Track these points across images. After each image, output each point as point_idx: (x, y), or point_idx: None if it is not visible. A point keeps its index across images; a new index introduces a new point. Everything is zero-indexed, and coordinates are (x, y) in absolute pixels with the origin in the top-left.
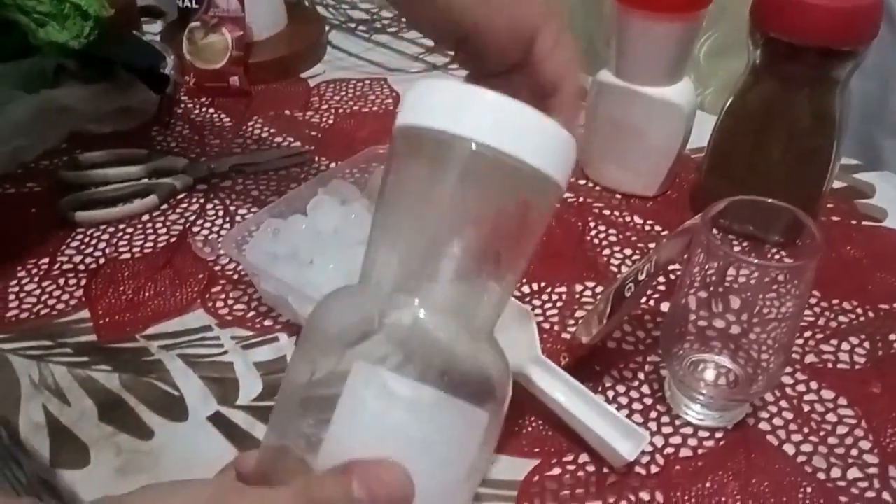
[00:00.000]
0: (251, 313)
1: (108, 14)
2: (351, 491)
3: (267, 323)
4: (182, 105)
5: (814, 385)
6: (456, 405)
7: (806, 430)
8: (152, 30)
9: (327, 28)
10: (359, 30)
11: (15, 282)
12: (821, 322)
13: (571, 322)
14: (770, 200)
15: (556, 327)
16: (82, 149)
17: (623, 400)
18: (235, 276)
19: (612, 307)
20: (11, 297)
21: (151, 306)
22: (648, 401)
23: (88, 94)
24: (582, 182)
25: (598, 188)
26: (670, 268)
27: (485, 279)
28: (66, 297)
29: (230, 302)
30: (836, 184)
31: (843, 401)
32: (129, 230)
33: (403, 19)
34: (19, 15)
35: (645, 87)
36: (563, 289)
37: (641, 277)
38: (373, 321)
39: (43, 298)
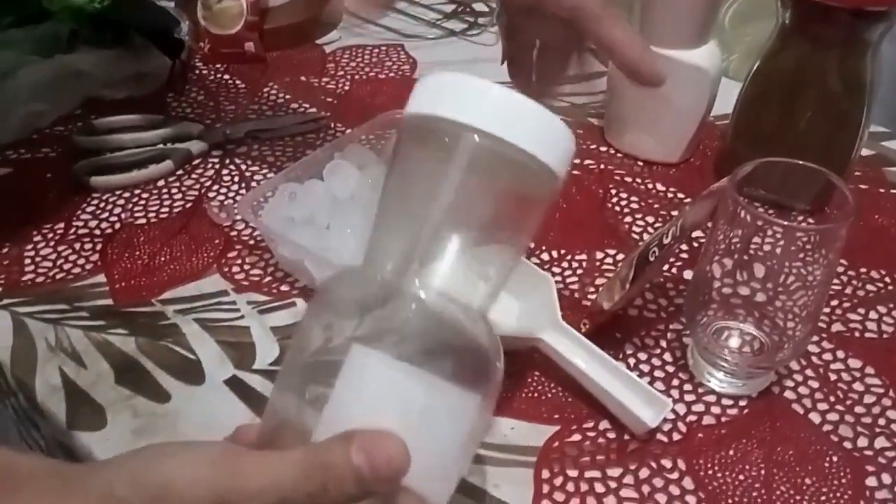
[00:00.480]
0: (267, 278)
1: None
2: (350, 457)
3: (283, 288)
4: (197, 71)
5: (840, 354)
6: (451, 386)
7: (832, 398)
8: None
9: None
10: None
11: (31, 246)
12: (848, 290)
13: (592, 289)
14: (801, 163)
15: (576, 294)
16: (97, 114)
17: (645, 367)
18: (251, 242)
19: (635, 272)
20: (27, 261)
21: (167, 271)
22: (671, 368)
23: (102, 59)
24: (603, 149)
25: (619, 155)
26: (694, 235)
27: (483, 263)
28: (81, 261)
29: (246, 267)
30: (865, 151)
31: (870, 370)
32: (145, 195)
33: None
34: None
35: (669, 51)
36: (584, 256)
37: (666, 241)
38: (374, 301)
39: (59, 263)
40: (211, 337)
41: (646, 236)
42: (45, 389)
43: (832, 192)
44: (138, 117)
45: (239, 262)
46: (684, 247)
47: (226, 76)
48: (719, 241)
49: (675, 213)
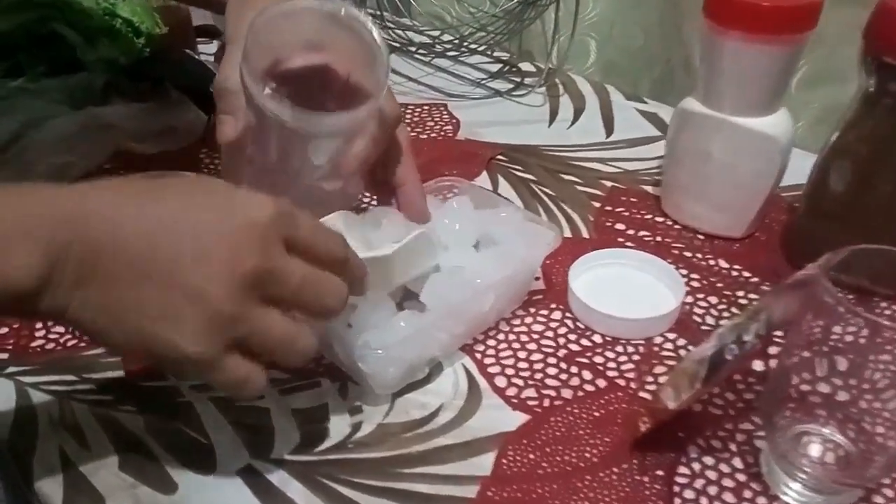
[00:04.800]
0: None
1: (162, 32)
2: None
3: (308, 365)
4: None
5: None
6: None
7: None
8: (208, 50)
9: None
10: (418, 53)
11: None
12: None
13: (650, 379)
14: None
15: (632, 385)
16: (126, 169)
17: (712, 474)
18: None
19: (708, 371)
20: (39, 325)
21: None
22: (742, 477)
23: (135, 111)
24: (659, 219)
25: (677, 227)
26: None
27: None
28: None
29: None
30: None
31: None
32: None
33: (465, 44)
34: (68, 30)
35: (737, 118)
36: (641, 341)
37: (747, 339)
38: None
39: (71, 328)
40: (226, 419)
41: (709, 319)
42: (43, 470)
43: None
44: (168, 173)
45: None
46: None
47: None
48: (804, 334)
49: (740, 293)
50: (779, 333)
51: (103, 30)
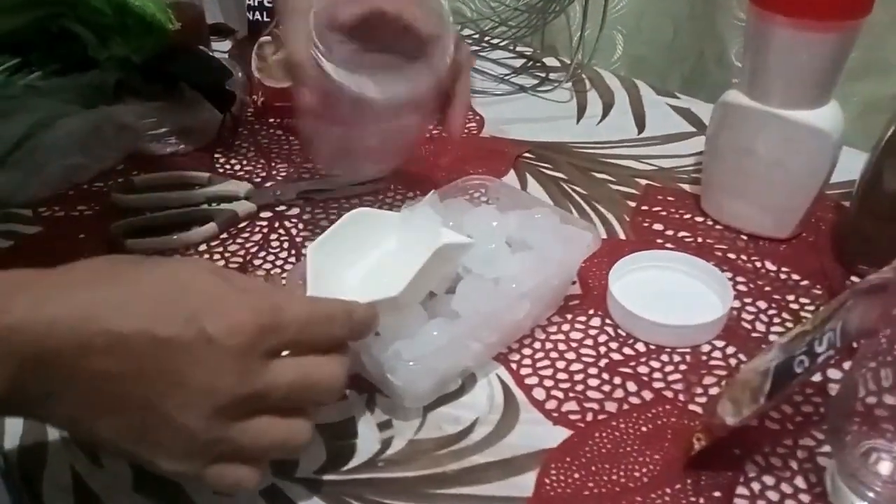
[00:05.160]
0: None
1: (174, 28)
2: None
3: None
4: (248, 126)
5: None
6: None
7: None
8: (221, 48)
9: None
10: None
11: None
12: None
13: (699, 391)
14: None
15: (681, 397)
16: (139, 170)
17: (773, 495)
18: None
19: (773, 384)
20: None
21: None
22: (806, 497)
23: (148, 111)
24: (699, 219)
25: (718, 227)
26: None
27: None
28: None
29: None
30: None
31: None
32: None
33: (486, 39)
34: (79, 27)
35: (785, 111)
36: (687, 349)
37: (820, 350)
38: None
39: None
40: None
41: (759, 325)
42: (53, 491)
43: None
44: (182, 174)
45: None
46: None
47: (279, 132)
48: (882, 343)
49: (790, 297)
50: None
51: (115, 27)
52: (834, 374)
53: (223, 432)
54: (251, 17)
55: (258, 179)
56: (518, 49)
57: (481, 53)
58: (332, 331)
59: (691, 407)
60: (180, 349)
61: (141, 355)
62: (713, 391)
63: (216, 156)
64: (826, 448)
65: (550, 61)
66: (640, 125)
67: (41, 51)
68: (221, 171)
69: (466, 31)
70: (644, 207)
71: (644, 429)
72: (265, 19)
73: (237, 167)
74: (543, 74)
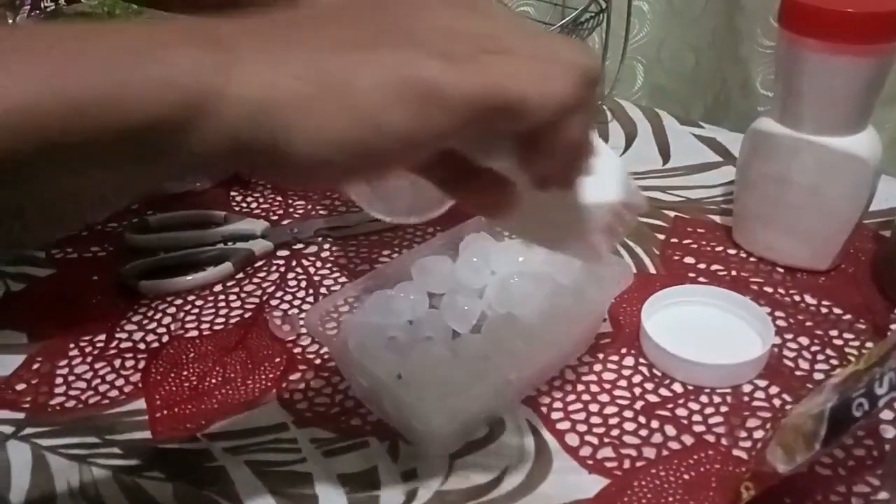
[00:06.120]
0: (335, 409)
1: None
2: None
3: (354, 422)
4: None
5: None
6: None
7: None
8: None
9: None
10: None
11: (65, 362)
12: None
13: (743, 434)
14: None
15: (723, 440)
16: (154, 209)
17: None
18: (318, 361)
19: (829, 428)
20: (59, 380)
21: (217, 396)
22: None
23: None
24: (731, 252)
25: (752, 259)
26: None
27: None
28: (120, 382)
29: (310, 394)
30: None
31: None
32: (199, 303)
33: None
34: None
35: (820, 137)
36: (727, 390)
37: (881, 391)
38: None
39: (94, 383)
40: (264, 486)
41: (801, 363)
42: None
43: None
44: (197, 213)
45: (302, 386)
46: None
47: None
48: None
49: (832, 332)
50: None
51: None
52: (887, 414)
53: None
54: None
55: (275, 217)
56: None
57: None
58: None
59: (735, 452)
60: None
61: None
62: (758, 434)
63: (232, 193)
64: (883, 495)
65: None
66: (665, 156)
67: None
68: (238, 208)
69: None
70: (674, 240)
71: (686, 476)
72: None
73: (253, 205)
74: None
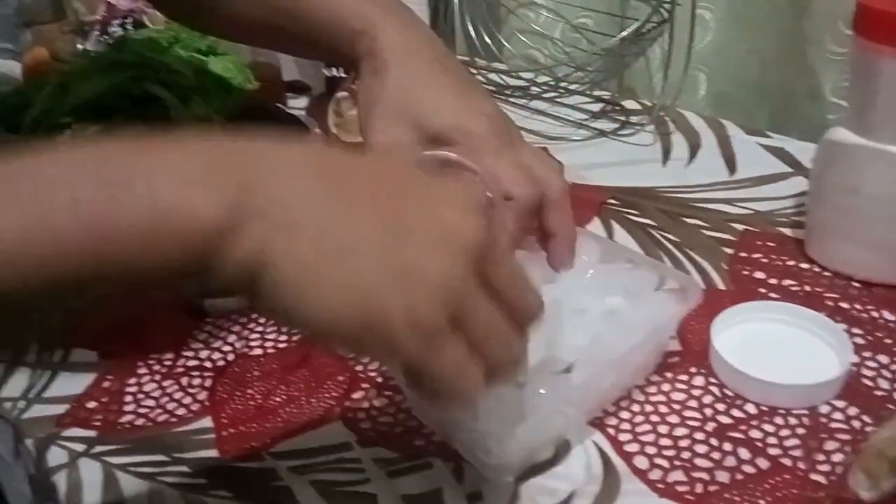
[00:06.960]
0: (398, 428)
1: (253, 88)
2: None
3: (418, 442)
4: None
5: None
6: None
7: None
8: (298, 105)
9: None
10: (514, 97)
11: (134, 380)
12: None
13: (821, 457)
14: None
15: (800, 465)
16: None
17: None
18: (380, 379)
19: None
20: (128, 398)
21: (282, 415)
22: None
23: None
24: (804, 266)
25: (826, 273)
26: None
27: None
28: (188, 400)
29: (374, 413)
30: None
31: None
32: (262, 321)
33: (562, 85)
34: (161, 89)
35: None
36: (803, 411)
37: None
38: None
39: (162, 402)
40: None
41: (881, 382)
42: None
43: None
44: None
45: (365, 405)
46: None
47: None
48: None
49: None
50: None
51: (196, 88)
52: None
53: (469, 283)
54: (328, 74)
55: None
56: (595, 93)
57: (557, 99)
58: (530, 303)
59: (813, 476)
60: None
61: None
62: (836, 458)
63: None
64: None
65: (630, 104)
66: (731, 167)
67: (123, 114)
68: None
69: (542, 78)
70: (743, 254)
71: (762, 502)
72: (342, 75)
73: None
74: (623, 118)
